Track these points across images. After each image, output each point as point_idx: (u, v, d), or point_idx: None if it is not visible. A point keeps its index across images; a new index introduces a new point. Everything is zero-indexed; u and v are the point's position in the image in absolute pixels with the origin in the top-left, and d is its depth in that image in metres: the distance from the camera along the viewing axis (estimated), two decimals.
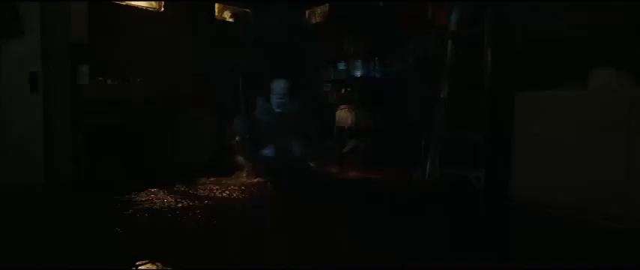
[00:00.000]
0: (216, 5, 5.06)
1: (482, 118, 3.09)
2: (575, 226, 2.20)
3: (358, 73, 4.33)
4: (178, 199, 2.63)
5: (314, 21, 5.25)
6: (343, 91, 4.59)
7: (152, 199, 2.63)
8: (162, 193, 2.77)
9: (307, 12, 5.33)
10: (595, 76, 2.41)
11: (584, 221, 2.23)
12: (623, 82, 2.32)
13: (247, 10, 5.26)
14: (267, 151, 3.50)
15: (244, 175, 3.48)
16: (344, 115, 4.38)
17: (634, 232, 2.07)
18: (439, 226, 2.28)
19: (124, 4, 4.23)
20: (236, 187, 3.05)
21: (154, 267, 1.61)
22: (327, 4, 5.01)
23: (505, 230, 2.29)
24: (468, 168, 3.12)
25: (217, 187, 3.05)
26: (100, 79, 3.76)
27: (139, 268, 1.58)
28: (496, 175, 2.89)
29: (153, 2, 4.48)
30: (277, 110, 3.66)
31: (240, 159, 3.61)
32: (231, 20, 5.16)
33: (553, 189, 2.44)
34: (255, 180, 3.32)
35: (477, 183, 3.04)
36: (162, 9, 4.53)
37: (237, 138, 3.65)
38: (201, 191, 2.90)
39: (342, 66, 4.53)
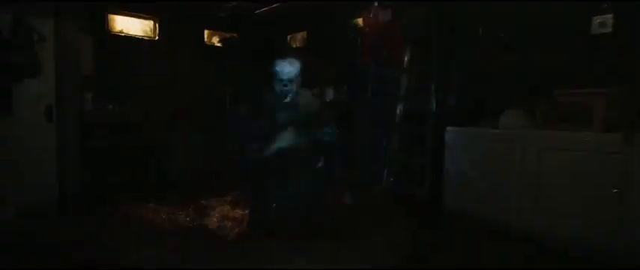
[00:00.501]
0: (206, 31, 5.67)
1: (424, 145, 3.71)
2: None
3: (329, 98, 4.92)
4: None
5: (294, 45, 5.84)
6: None
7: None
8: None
9: (289, 36, 5.92)
10: (505, 116, 3.03)
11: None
12: (524, 122, 2.94)
13: (234, 35, 5.86)
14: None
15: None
16: None
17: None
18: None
19: (122, 35, 4.79)
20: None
21: None
22: (305, 31, 5.62)
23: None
24: (416, 185, 3.75)
25: None
26: (102, 104, 4.34)
27: None
28: (435, 191, 3.51)
29: (148, 31, 5.05)
30: (285, 101, 2.88)
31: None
32: (219, 45, 5.75)
33: (468, 202, 3.08)
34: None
35: (422, 197, 3.66)
36: (157, 37, 5.11)
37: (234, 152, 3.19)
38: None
39: (315, 91, 5.09)
